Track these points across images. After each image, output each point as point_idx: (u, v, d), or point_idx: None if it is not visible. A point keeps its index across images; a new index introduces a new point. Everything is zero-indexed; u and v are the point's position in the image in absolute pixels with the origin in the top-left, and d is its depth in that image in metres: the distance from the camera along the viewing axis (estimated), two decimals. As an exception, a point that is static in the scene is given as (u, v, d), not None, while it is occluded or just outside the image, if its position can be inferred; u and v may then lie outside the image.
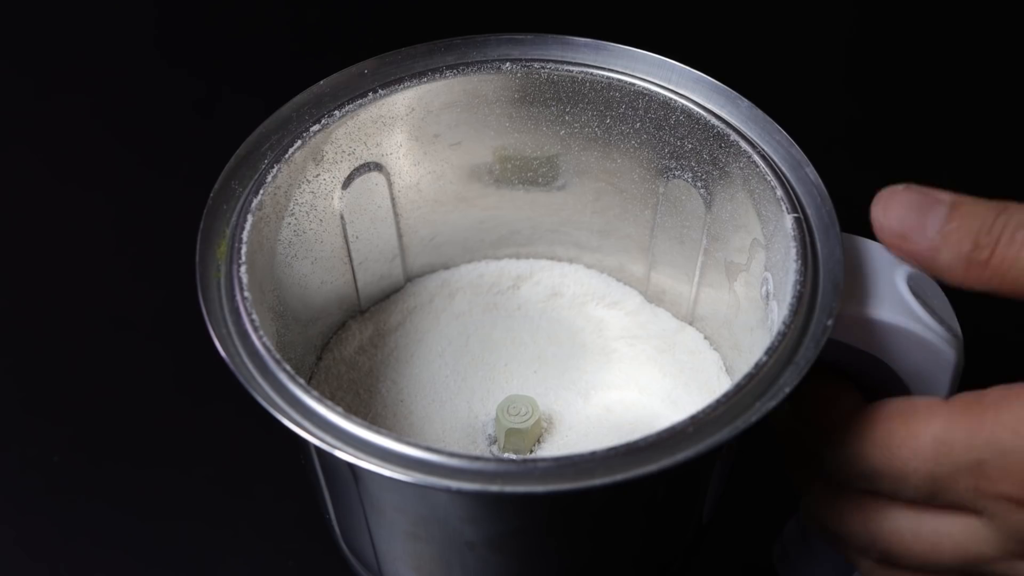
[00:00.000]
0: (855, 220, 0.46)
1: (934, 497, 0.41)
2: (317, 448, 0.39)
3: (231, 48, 0.83)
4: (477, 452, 0.50)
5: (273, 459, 0.59)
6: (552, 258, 0.56)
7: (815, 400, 0.44)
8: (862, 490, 0.43)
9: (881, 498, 0.43)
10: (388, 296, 0.55)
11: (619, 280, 0.55)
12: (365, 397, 0.52)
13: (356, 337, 0.54)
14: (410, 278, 0.56)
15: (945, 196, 0.41)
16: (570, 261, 0.56)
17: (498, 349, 0.54)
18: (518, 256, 0.56)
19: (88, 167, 0.76)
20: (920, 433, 0.41)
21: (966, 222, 0.41)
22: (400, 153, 0.51)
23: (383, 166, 0.50)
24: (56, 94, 0.80)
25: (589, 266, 0.56)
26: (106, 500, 0.60)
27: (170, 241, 0.58)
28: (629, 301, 0.55)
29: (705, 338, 0.53)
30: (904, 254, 0.43)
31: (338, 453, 0.38)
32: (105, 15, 0.84)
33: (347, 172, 0.50)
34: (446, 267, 0.56)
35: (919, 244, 0.41)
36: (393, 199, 0.52)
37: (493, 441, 0.50)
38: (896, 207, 0.42)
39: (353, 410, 0.51)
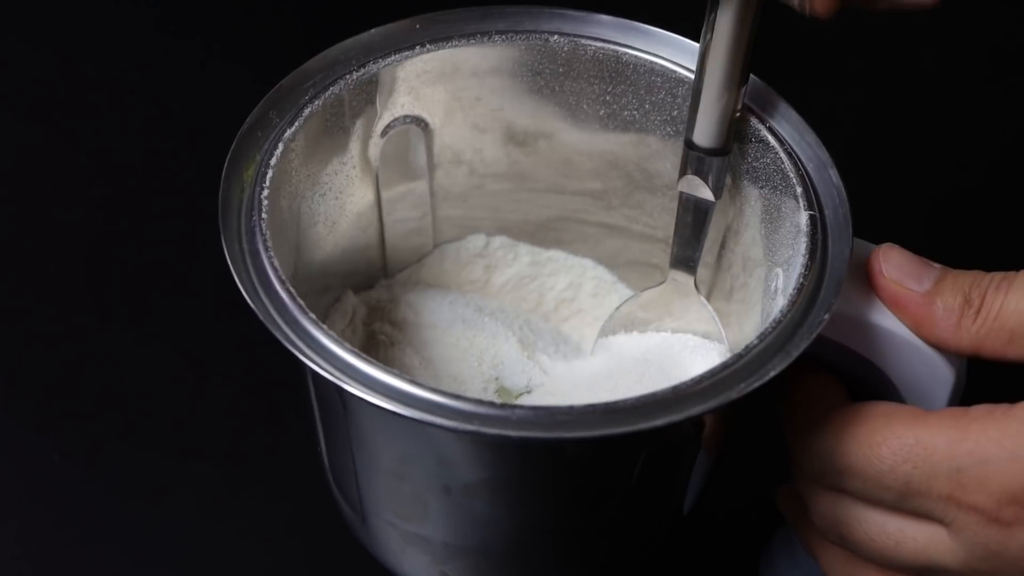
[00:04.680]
0: (873, 228, 0.46)
1: (904, 501, 0.41)
2: (311, 371, 0.40)
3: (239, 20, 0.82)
4: None
5: (276, 457, 0.59)
6: (577, 239, 0.57)
7: (803, 392, 0.44)
8: (834, 488, 0.44)
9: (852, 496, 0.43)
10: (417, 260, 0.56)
11: (642, 263, 0.56)
12: (383, 340, 0.53)
13: (379, 290, 0.55)
14: (438, 244, 0.57)
15: (936, 264, 0.44)
16: (596, 242, 0.56)
17: (510, 320, 0.54)
18: (545, 232, 0.57)
19: (85, 154, 0.74)
20: (902, 434, 0.41)
21: (957, 280, 0.43)
22: (441, 111, 0.52)
23: (423, 120, 0.51)
24: (56, 72, 0.79)
25: (610, 254, 0.56)
26: (107, 500, 0.60)
27: (172, 237, 0.56)
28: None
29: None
30: (900, 307, 0.44)
31: (325, 373, 0.39)
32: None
33: (387, 121, 0.51)
34: (475, 232, 0.57)
35: (915, 291, 0.43)
36: (429, 154, 0.53)
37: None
38: (895, 257, 0.44)
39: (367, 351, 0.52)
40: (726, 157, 0.48)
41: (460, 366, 0.52)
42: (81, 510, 0.59)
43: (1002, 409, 0.41)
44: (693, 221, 0.49)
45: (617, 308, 0.53)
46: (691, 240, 0.50)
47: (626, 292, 0.57)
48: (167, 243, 0.56)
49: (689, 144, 0.48)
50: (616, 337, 0.53)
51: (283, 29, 0.81)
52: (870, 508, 0.43)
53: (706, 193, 0.48)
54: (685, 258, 0.50)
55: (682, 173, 0.48)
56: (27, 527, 0.59)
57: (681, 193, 0.49)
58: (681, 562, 0.58)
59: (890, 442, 0.41)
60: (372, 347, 0.53)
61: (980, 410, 0.41)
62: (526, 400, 0.51)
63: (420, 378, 0.51)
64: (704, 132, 0.47)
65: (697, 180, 0.48)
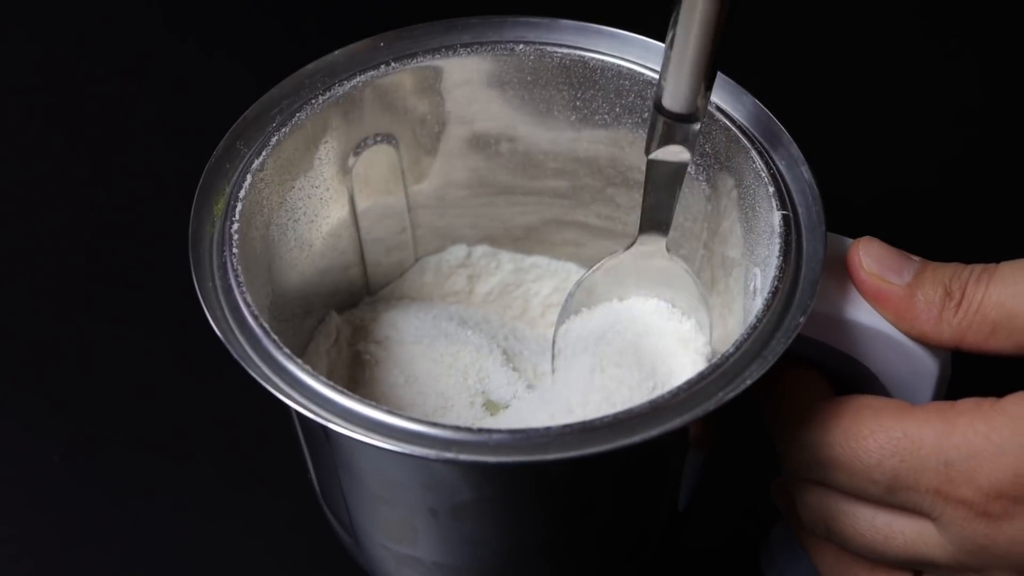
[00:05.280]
0: (849, 222, 0.46)
1: (892, 495, 0.41)
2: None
3: (239, 21, 0.82)
4: (469, 422, 0.51)
5: (276, 457, 0.59)
6: (559, 243, 0.56)
7: (786, 386, 0.44)
8: (820, 482, 0.43)
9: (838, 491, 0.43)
10: (399, 276, 0.56)
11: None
12: (368, 359, 0.52)
13: (362, 308, 0.55)
14: (419, 257, 0.56)
15: (915, 256, 0.44)
16: (579, 246, 0.56)
17: (495, 332, 0.54)
18: (528, 238, 0.56)
19: (84, 153, 0.75)
20: (890, 427, 0.41)
21: (937, 273, 0.43)
22: (411, 126, 0.51)
23: (394, 138, 0.51)
24: (51, 57, 0.80)
25: (593, 256, 0.56)
26: (107, 500, 0.60)
27: (172, 237, 0.55)
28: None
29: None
30: (880, 301, 0.44)
31: (300, 408, 0.39)
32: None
33: (357, 141, 0.50)
34: (457, 243, 0.56)
35: (896, 283, 0.43)
36: (403, 171, 0.52)
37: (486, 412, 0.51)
38: (875, 250, 0.44)
39: (353, 375, 0.52)
40: (698, 123, 0.45)
41: (446, 382, 0.52)
42: (81, 510, 0.60)
43: (989, 402, 0.40)
44: (665, 183, 0.47)
45: (577, 283, 0.51)
46: (663, 201, 0.47)
47: None
48: (166, 243, 0.56)
49: (659, 108, 0.45)
50: (603, 334, 0.53)
51: (285, 28, 0.81)
52: (857, 502, 0.43)
53: (680, 156, 0.46)
54: (657, 221, 0.48)
55: (650, 141, 0.46)
56: (27, 527, 0.59)
57: (650, 160, 0.46)
58: (683, 558, 0.58)
59: (877, 435, 0.41)
60: (358, 366, 0.52)
61: (967, 404, 0.41)
62: (513, 412, 0.50)
63: (405, 396, 0.51)
64: (675, 95, 0.44)
65: (671, 148, 0.45)
